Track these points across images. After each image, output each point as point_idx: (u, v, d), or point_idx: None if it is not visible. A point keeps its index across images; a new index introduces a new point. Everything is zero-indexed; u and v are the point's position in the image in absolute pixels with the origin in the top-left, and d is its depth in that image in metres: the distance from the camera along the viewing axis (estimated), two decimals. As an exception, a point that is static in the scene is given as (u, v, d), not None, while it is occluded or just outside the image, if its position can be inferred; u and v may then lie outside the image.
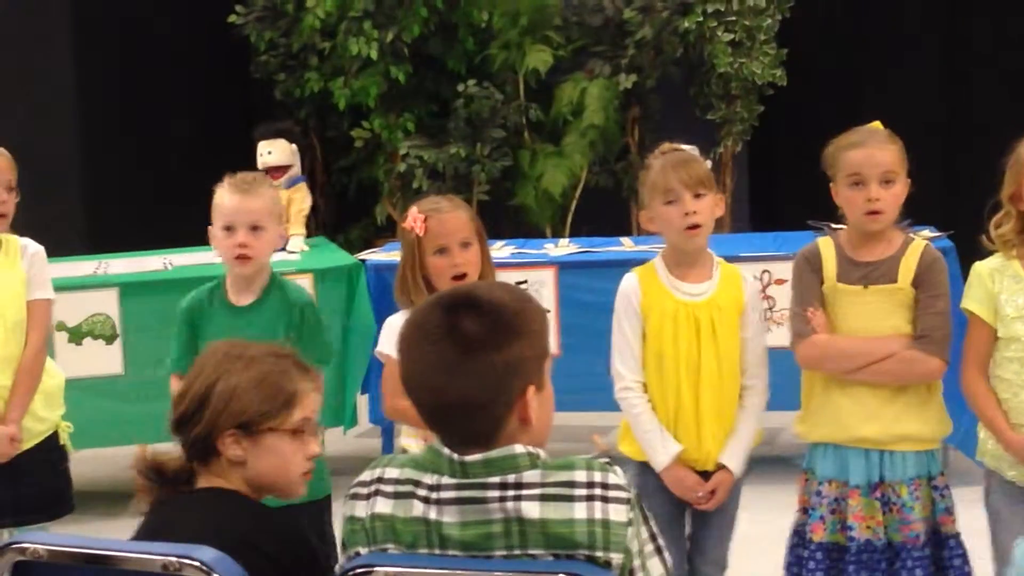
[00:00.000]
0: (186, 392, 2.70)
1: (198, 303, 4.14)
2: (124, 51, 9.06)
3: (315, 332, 4.15)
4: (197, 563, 2.30)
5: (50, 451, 4.49)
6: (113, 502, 6.19)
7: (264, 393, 2.68)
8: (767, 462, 6.45)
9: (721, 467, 3.97)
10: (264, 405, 2.67)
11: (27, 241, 4.45)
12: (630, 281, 4.01)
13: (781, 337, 5.72)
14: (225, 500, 2.67)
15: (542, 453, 2.36)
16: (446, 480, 2.34)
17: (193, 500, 2.68)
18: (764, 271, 6.22)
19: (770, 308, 6.16)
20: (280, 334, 4.10)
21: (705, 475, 3.98)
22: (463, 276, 3.83)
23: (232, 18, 9.41)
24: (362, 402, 6.60)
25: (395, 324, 3.89)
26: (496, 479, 2.31)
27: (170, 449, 2.77)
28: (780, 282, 6.11)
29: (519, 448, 2.33)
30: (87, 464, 5.98)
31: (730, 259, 5.73)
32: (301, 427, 2.72)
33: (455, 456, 2.34)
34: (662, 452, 3.93)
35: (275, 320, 4.10)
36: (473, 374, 2.30)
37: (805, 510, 3.97)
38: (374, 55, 8.87)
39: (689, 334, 3.92)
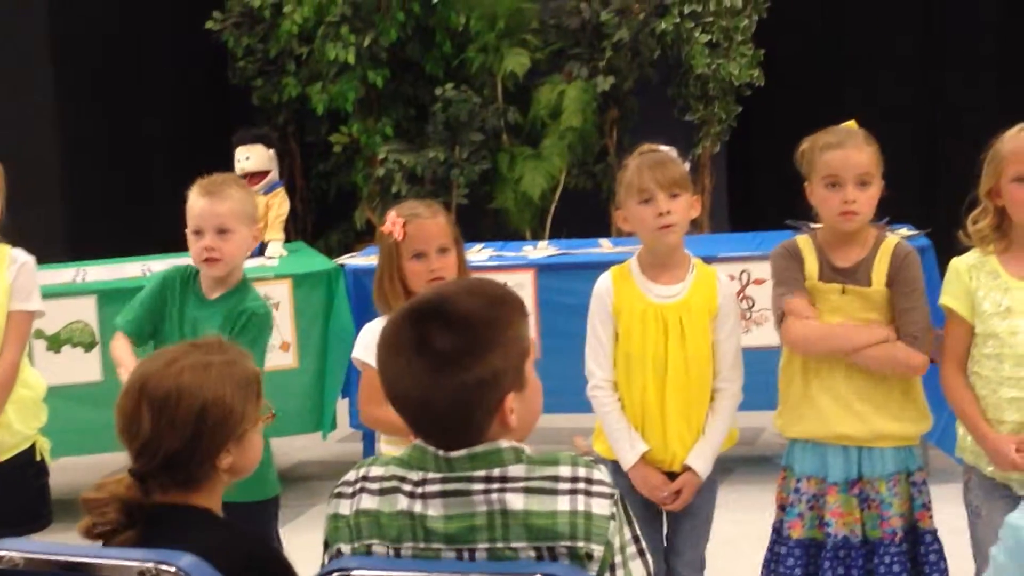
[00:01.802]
0: (170, 428, 2.54)
1: (174, 281, 4.20)
2: (102, 58, 9.04)
3: (251, 343, 4.01)
4: (174, 569, 2.29)
5: (25, 466, 4.43)
6: (93, 510, 6.16)
7: (247, 395, 2.62)
8: (749, 462, 6.46)
9: (687, 468, 3.97)
10: (248, 406, 2.62)
11: (18, 252, 4.41)
12: (604, 281, 4.03)
13: (761, 337, 5.75)
14: (188, 519, 2.58)
15: (527, 449, 2.37)
16: (432, 475, 2.35)
17: (159, 521, 2.55)
18: (743, 271, 6.23)
19: (749, 308, 6.17)
20: (225, 334, 4.10)
21: (673, 476, 3.98)
22: (440, 280, 3.83)
23: (209, 24, 9.39)
24: (342, 407, 6.59)
25: (372, 330, 3.90)
26: (481, 472, 2.32)
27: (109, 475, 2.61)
28: (759, 282, 6.11)
29: (504, 443, 2.34)
30: (66, 472, 5.95)
31: (709, 260, 5.73)
32: (268, 410, 2.70)
33: (440, 452, 2.34)
34: (629, 451, 3.95)
35: (224, 320, 4.12)
36: (447, 390, 2.29)
37: (783, 507, 3.97)
38: (351, 60, 8.85)
39: (657, 336, 3.93)
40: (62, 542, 2.53)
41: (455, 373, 2.29)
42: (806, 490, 3.90)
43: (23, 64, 8.60)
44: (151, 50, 9.37)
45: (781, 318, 3.88)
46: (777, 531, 3.98)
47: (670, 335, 3.94)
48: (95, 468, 6.42)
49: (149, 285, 4.23)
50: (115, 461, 6.20)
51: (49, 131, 8.77)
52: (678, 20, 8.62)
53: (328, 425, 6.47)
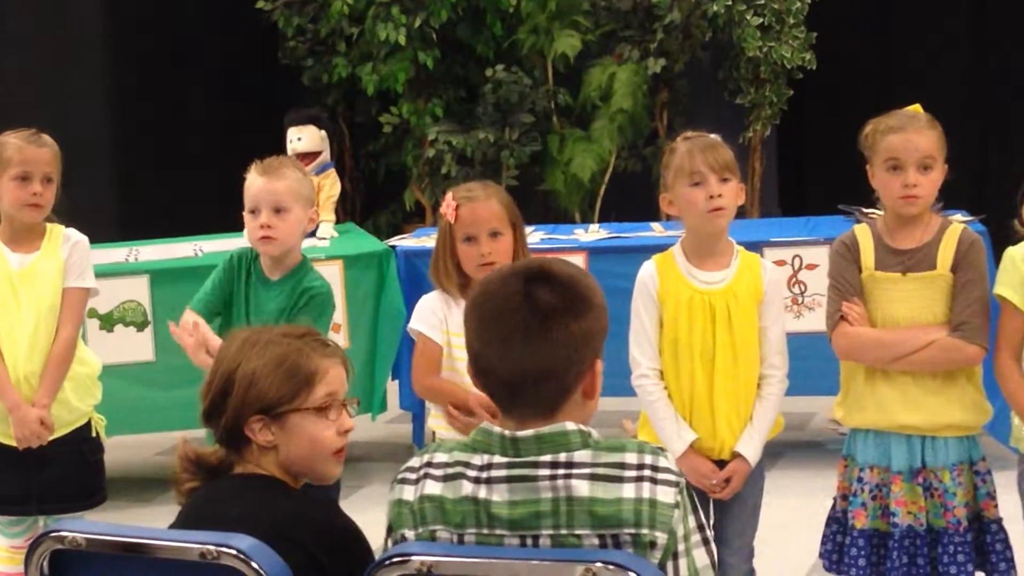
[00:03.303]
0: (211, 383, 2.73)
1: (240, 262, 4.22)
2: (154, 39, 9.08)
3: (313, 321, 4.06)
4: (234, 551, 2.30)
5: (80, 442, 4.49)
6: (145, 488, 6.21)
7: (283, 374, 2.68)
8: (799, 447, 6.45)
9: (737, 456, 3.96)
10: (284, 387, 2.68)
11: (71, 231, 4.47)
12: (648, 268, 4.00)
13: (813, 322, 5.73)
14: (260, 486, 2.67)
15: (594, 433, 2.39)
16: (497, 459, 2.37)
17: (229, 488, 2.68)
18: (795, 256, 6.20)
19: (802, 293, 6.15)
20: (286, 314, 4.12)
21: (722, 464, 3.97)
22: (491, 265, 3.80)
23: (260, 4, 9.42)
24: (392, 388, 6.60)
25: (429, 302, 3.92)
26: (547, 458, 2.34)
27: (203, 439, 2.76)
28: (811, 267, 6.09)
29: (571, 425, 2.37)
30: (119, 451, 6.00)
31: (760, 244, 5.73)
32: (326, 404, 2.72)
33: (507, 433, 2.37)
34: (677, 440, 3.92)
35: (285, 301, 4.12)
36: (551, 342, 2.34)
37: (844, 496, 3.94)
38: (402, 40, 8.86)
39: (704, 322, 3.90)
40: (124, 523, 2.55)
41: (561, 323, 2.35)
42: (869, 479, 3.86)
43: (75, 46, 8.65)
44: (202, 30, 9.41)
45: (835, 324, 3.86)
46: (838, 520, 3.95)
47: (717, 321, 3.91)
48: (147, 447, 6.49)
49: (221, 265, 4.24)
50: (167, 440, 6.24)
51: (101, 112, 8.83)
52: (730, 2, 8.59)
53: (378, 406, 6.48)
